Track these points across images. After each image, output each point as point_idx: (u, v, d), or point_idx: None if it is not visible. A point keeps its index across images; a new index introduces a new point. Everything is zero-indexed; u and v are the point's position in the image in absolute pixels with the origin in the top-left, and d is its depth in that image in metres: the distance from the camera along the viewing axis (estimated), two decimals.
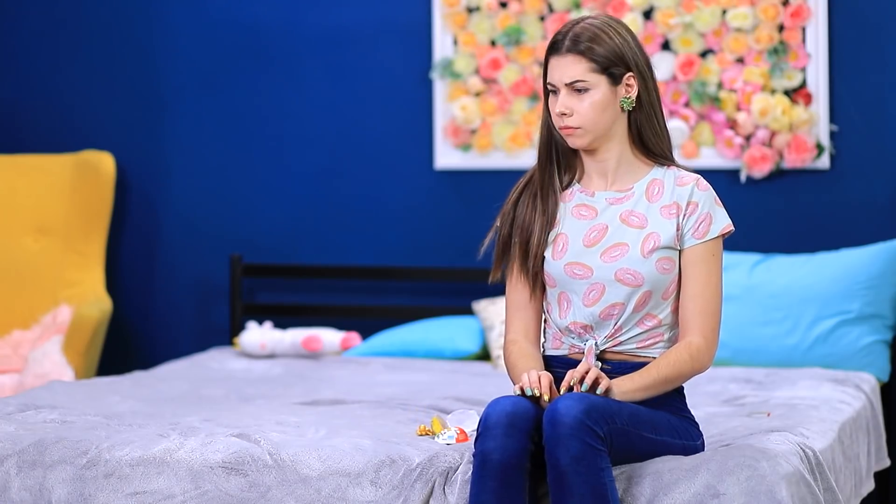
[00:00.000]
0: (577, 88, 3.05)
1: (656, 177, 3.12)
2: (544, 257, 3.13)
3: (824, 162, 4.95)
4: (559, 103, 3.06)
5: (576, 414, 2.84)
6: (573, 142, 3.09)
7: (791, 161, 4.94)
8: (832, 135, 4.96)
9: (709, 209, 3.07)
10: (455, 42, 5.25)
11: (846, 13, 4.94)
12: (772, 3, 4.94)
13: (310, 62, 5.43)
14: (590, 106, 3.05)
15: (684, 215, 3.08)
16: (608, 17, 3.10)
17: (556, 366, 3.15)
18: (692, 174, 3.12)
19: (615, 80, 3.06)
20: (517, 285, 3.18)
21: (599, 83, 3.05)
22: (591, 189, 3.16)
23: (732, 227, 3.10)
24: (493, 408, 2.93)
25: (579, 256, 3.10)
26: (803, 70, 4.95)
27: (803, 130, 4.93)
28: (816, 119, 4.93)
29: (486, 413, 2.93)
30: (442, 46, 5.25)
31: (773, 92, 4.96)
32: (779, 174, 5.00)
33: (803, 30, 4.95)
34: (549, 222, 3.13)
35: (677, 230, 3.07)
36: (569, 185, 3.17)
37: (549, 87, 3.10)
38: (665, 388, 3.06)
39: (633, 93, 3.07)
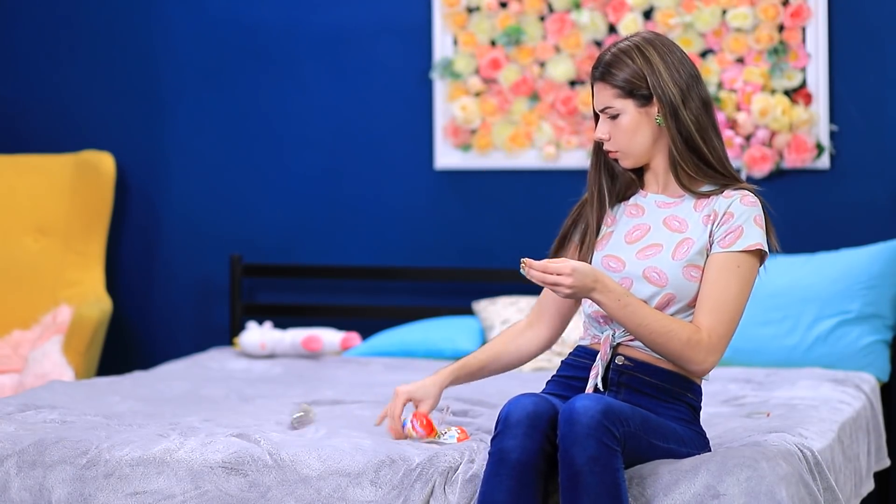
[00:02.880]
0: (609, 115, 3.09)
1: (710, 190, 3.10)
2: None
3: (824, 162, 4.95)
4: (597, 130, 3.13)
5: (593, 414, 2.84)
6: (621, 163, 3.15)
7: (791, 161, 4.94)
8: (832, 135, 4.96)
9: (743, 223, 3.04)
10: (455, 42, 5.25)
11: (846, 13, 4.94)
12: (772, 3, 4.94)
13: (310, 62, 5.43)
14: (622, 131, 3.09)
15: (718, 223, 3.06)
16: (643, 37, 3.10)
17: (581, 356, 3.17)
18: (745, 190, 3.08)
19: (642, 102, 3.07)
20: None
21: (627, 107, 3.08)
22: (647, 191, 3.19)
23: (763, 248, 3.04)
24: (514, 406, 2.93)
25: (617, 250, 3.13)
26: (803, 70, 4.96)
27: (803, 130, 4.93)
28: (816, 119, 4.93)
29: (507, 411, 2.93)
30: (442, 46, 5.25)
31: (773, 92, 4.96)
32: (779, 174, 5.00)
33: (803, 30, 4.95)
34: (592, 234, 3.18)
35: (709, 237, 3.07)
36: (628, 195, 3.21)
37: (595, 113, 3.17)
38: (645, 339, 3.00)
39: (661, 113, 3.07)
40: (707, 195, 3.10)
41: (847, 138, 4.96)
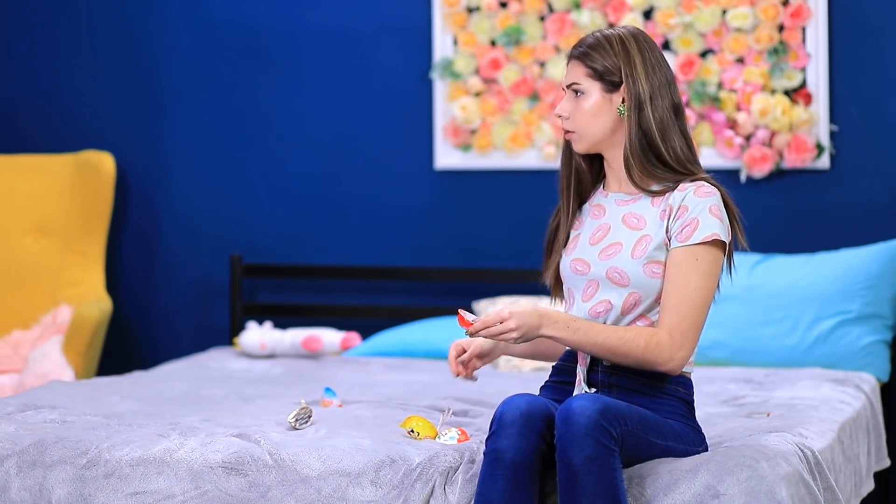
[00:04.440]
0: (574, 91, 3.12)
1: (668, 185, 3.10)
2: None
3: (824, 162, 4.95)
4: (558, 105, 3.16)
5: (591, 414, 2.84)
6: (575, 146, 3.16)
7: (791, 161, 4.94)
8: (832, 135, 4.96)
9: (698, 215, 3.03)
10: (455, 42, 5.25)
11: (846, 13, 4.94)
12: (772, 3, 4.94)
13: (310, 62, 5.44)
14: (583, 111, 3.11)
15: (673, 217, 3.06)
16: (628, 30, 3.13)
17: (569, 360, 3.19)
18: (701, 181, 3.08)
19: (609, 87, 3.10)
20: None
21: (593, 89, 3.11)
22: (607, 190, 3.20)
23: (720, 237, 3.03)
24: (508, 405, 2.94)
25: (583, 253, 3.14)
26: (803, 70, 4.96)
27: (803, 130, 4.93)
28: (816, 119, 4.93)
29: (501, 411, 2.94)
30: (442, 46, 5.25)
31: (773, 92, 4.96)
32: (779, 174, 5.00)
33: (803, 30, 4.95)
34: (566, 231, 3.20)
35: (666, 233, 3.07)
36: (595, 189, 3.22)
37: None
38: (607, 356, 3.03)
39: (627, 104, 3.09)
40: (663, 191, 3.10)
41: (847, 138, 4.96)
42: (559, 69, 5.11)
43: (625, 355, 3.02)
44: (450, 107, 5.24)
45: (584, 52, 3.11)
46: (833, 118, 4.96)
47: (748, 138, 4.99)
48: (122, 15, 5.61)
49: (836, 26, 4.94)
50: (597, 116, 3.10)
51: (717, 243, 3.05)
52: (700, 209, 3.04)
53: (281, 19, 5.45)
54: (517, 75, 5.17)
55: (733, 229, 3.10)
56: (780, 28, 4.97)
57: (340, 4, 5.40)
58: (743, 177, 4.98)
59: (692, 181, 3.08)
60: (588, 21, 5.06)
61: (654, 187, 3.11)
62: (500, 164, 5.24)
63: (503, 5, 5.19)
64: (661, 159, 3.08)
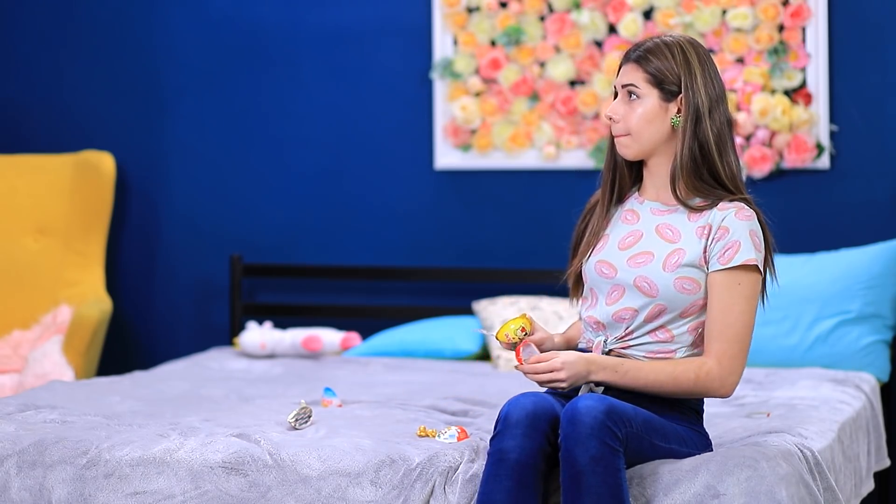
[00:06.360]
0: (630, 93, 3.09)
1: (708, 201, 3.08)
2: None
3: (824, 162, 4.95)
4: (610, 107, 3.12)
5: (596, 414, 2.85)
6: (621, 150, 3.13)
7: (791, 161, 4.94)
8: (832, 135, 4.96)
9: (739, 237, 3.03)
10: (455, 42, 5.25)
11: (846, 13, 4.94)
12: (772, 3, 4.94)
13: (310, 62, 5.44)
14: (637, 115, 3.08)
15: (713, 239, 3.05)
16: (686, 39, 3.11)
17: None
18: (740, 202, 3.07)
19: (667, 96, 3.07)
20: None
21: (650, 95, 3.07)
22: (643, 197, 3.18)
23: (756, 263, 3.03)
24: (513, 405, 2.94)
25: (610, 256, 3.14)
26: (803, 70, 4.96)
27: (803, 130, 4.93)
28: (816, 119, 4.93)
29: (506, 411, 2.94)
30: (442, 46, 5.25)
31: (773, 92, 4.96)
32: (779, 174, 5.00)
33: (803, 30, 4.95)
34: (596, 231, 3.19)
35: (704, 252, 3.06)
36: (630, 192, 3.21)
37: (615, 91, 3.15)
38: (657, 393, 3.05)
39: (682, 115, 3.06)
40: (701, 208, 3.09)
41: (847, 138, 4.96)
42: (559, 69, 5.11)
43: (675, 389, 3.04)
44: (450, 107, 5.24)
45: (642, 56, 3.08)
46: (833, 118, 4.96)
47: (748, 138, 4.99)
48: (122, 15, 5.61)
49: (836, 26, 4.94)
50: (651, 123, 3.08)
51: (755, 267, 3.05)
52: (741, 232, 3.04)
53: (281, 19, 5.45)
54: (517, 75, 5.17)
55: (766, 256, 3.09)
56: (780, 28, 4.97)
57: (340, 4, 5.40)
58: (743, 177, 4.97)
59: (731, 201, 3.07)
60: (588, 21, 5.05)
61: (695, 202, 3.10)
62: (500, 164, 5.24)
63: (503, 5, 5.19)
64: (715, 174, 3.07)
